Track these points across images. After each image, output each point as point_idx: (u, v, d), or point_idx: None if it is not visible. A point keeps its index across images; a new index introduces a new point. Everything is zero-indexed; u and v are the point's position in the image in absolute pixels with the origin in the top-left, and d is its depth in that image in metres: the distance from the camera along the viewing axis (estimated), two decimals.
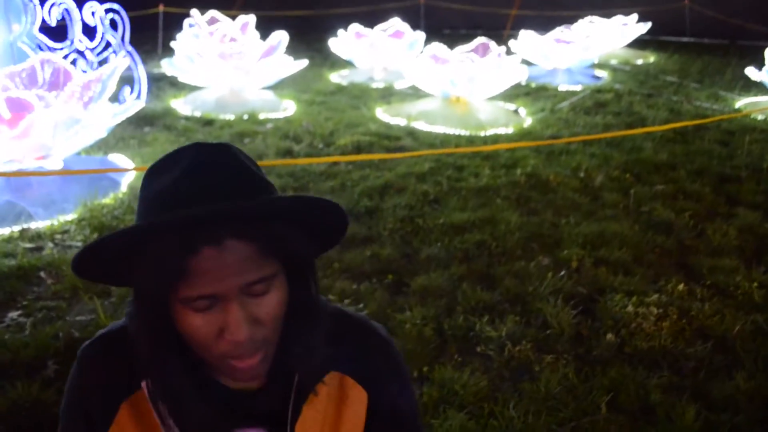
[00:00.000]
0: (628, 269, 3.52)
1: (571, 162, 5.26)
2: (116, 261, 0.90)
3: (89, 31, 6.46)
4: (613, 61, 10.43)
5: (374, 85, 8.51)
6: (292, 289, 0.94)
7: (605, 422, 2.32)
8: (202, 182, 0.87)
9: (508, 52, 7.13)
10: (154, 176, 0.91)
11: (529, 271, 3.42)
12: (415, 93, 7.65)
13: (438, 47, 6.89)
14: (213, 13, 10.27)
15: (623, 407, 2.41)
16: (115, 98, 5.52)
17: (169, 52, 9.75)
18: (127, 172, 4.82)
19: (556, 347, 2.77)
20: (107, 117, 4.48)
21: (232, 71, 6.94)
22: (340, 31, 9.05)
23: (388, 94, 7.96)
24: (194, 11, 10.49)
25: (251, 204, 0.86)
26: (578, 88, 8.37)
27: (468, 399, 2.40)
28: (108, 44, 7.70)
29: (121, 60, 4.78)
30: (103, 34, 7.68)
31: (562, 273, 3.43)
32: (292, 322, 0.97)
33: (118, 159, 5.16)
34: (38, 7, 7.71)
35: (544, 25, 9.74)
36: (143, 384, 0.98)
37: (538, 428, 2.25)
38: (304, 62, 7.42)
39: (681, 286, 3.30)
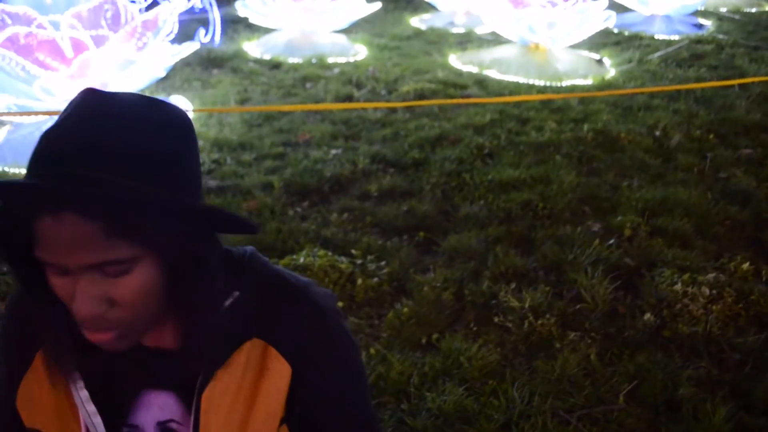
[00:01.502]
0: (687, 242, 3.16)
1: (649, 119, 4.80)
2: None
3: None
4: (722, 8, 9.46)
5: (454, 30, 8.12)
6: (172, 275, 0.83)
7: (620, 414, 2.09)
8: (64, 142, 0.76)
9: None
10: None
11: (573, 237, 3.14)
12: (495, 39, 7.24)
13: None
14: None
15: (645, 399, 2.16)
16: (191, 38, 5.54)
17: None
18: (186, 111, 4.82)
19: (583, 324, 2.53)
20: (165, 57, 4.46)
21: (303, 13, 6.79)
22: None
23: (466, 40, 7.57)
24: None
25: (92, 189, 0.75)
26: (676, 37, 7.64)
27: (472, 373, 2.23)
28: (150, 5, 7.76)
29: (181, 1, 4.71)
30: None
31: (611, 241, 3.13)
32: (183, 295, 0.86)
33: (178, 101, 5.18)
34: None
35: None
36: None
37: (541, 413, 2.05)
38: (377, 5, 7.16)
39: (746, 265, 2.91)
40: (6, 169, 4.10)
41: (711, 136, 4.51)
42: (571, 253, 3.00)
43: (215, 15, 6.94)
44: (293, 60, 6.54)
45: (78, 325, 0.84)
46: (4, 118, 4.37)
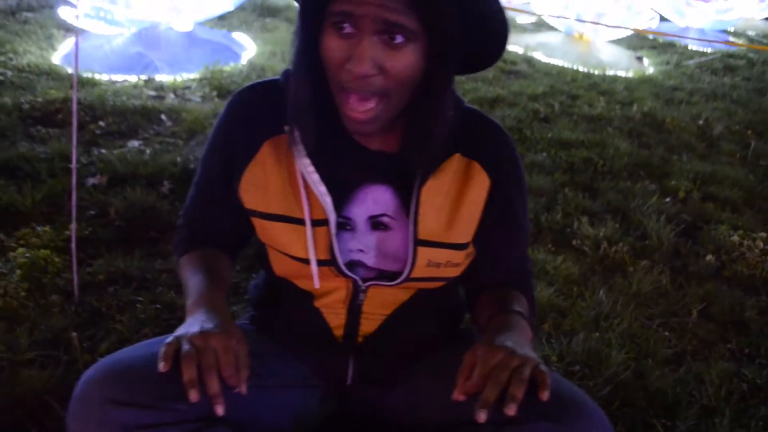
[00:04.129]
0: (737, 208, 3.37)
1: (691, 110, 5.03)
2: None
3: None
4: (751, 32, 9.75)
5: None
6: (428, 67, 0.96)
7: (695, 326, 2.28)
8: None
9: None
10: None
11: (633, 191, 3.34)
12: (537, 29, 7.43)
13: None
14: None
15: (715, 317, 2.35)
16: None
17: None
18: (248, 48, 4.97)
19: (652, 256, 2.72)
20: None
21: None
22: None
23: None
24: None
25: None
26: (709, 50, 7.90)
27: (558, 279, 2.41)
28: None
29: None
30: None
31: (667, 200, 3.33)
32: (421, 100, 0.99)
33: (240, 37, 5.32)
34: None
35: None
36: (287, 128, 1.04)
37: (625, 316, 2.23)
38: None
39: None
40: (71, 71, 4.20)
41: (749, 131, 4.74)
42: (633, 202, 3.19)
43: None
44: None
45: (336, 96, 0.96)
46: (78, 26, 4.48)
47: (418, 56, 0.94)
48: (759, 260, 2.78)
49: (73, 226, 2.07)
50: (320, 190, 1.03)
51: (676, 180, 3.59)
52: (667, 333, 2.21)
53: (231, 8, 4.90)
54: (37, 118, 3.44)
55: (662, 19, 8.40)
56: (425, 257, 1.08)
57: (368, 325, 1.16)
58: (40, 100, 3.62)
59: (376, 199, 1.09)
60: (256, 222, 1.10)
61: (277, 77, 1.11)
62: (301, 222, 1.06)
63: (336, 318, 1.15)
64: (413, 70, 0.94)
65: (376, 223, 1.10)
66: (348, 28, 0.91)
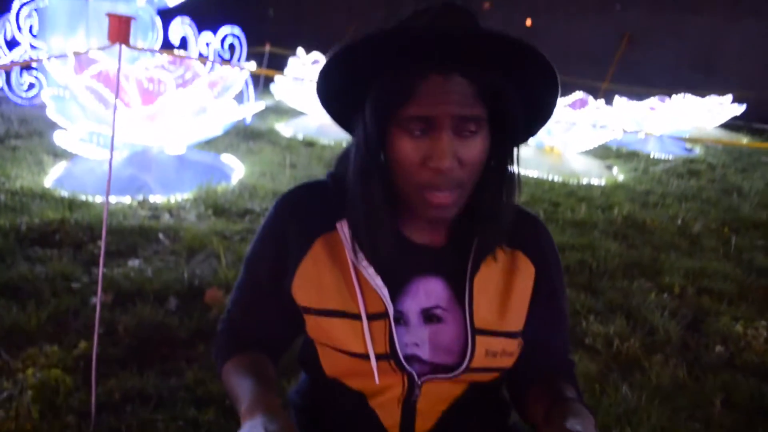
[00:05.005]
0: (732, 300, 3.45)
1: (668, 211, 5.23)
2: (343, 94, 1.01)
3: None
4: (705, 139, 10.34)
5: None
6: (493, 146, 1.01)
7: (720, 416, 2.27)
8: (438, 17, 0.97)
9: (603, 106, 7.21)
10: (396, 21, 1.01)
11: (631, 289, 3.41)
12: None
13: None
14: (316, 54, 10.84)
15: (738, 406, 2.35)
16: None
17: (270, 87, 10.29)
18: (236, 169, 5.09)
19: (664, 350, 2.74)
20: (232, 112, 4.78)
21: None
22: None
23: None
24: (300, 50, 11.09)
25: (484, 30, 0.96)
26: (670, 157, 8.33)
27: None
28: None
29: (247, 64, 5.10)
30: (212, 63, 8.27)
31: (665, 296, 3.40)
32: (487, 179, 1.03)
33: (229, 159, 5.45)
34: (160, 27, 8.41)
35: (634, 98, 9.79)
36: (338, 225, 1.08)
37: (652, 411, 2.22)
38: None
39: None
40: (66, 194, 4.22)
41: (726, 228, 4.93)
42: (633, 300, 3.24)
43: (251, 93, 7.39)
44: (325, 141, 6.93)
45: (412, 192, 0.99)
46: (70, 149, 4.55)
47: (486, 141, 0.99)
48: (766, 348, 2.82)
49: (95, 346, 2.02)
50: (377, 283, 1.04)
51: (669, 277, 3.67)
52: (697, 425, 2.19)
53: (220, 133, 5.06)
54: (35, 239, 3.42)
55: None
56: (483, 346, 1.08)
57: (423, 422, 1.14)
58: (36, 221, 3.61)
59: (428, 292, 1.10)
60: (310, 319, 1.10)
61: (320, 179, 1.15)
62: (357, 317, 1.06)
63: (390, 417, 1.13)
64: (483, 155, 0.99)
65: (429, 316, 1.10)
66: (422, 129, 0.96)
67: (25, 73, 8.25)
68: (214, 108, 4.60)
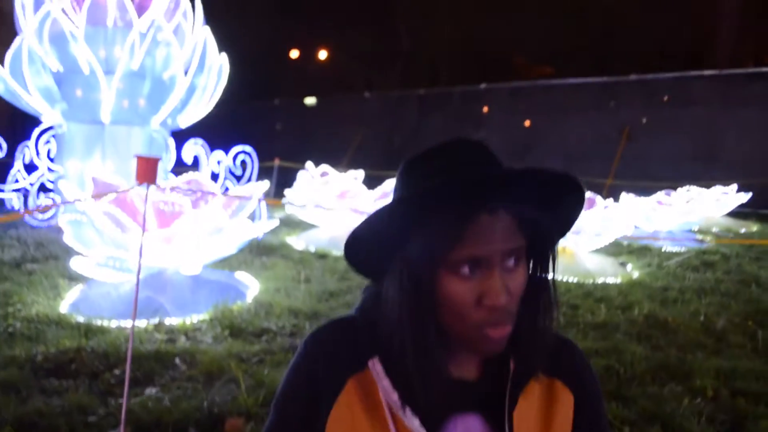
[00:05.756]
0: None
1: (689, 308, 5.15)
2: (379, 247, 1.03)
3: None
4: (715, 229, 10.35)
5: None
6: (531, 279, 1.03)
7: None
8: (474, 158, 1.01)
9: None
10: (414, 164, 1.05)
11: (663, 396, 3.30)
12: None
13: None
14: (325, 167, 11.13)
15: None
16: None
17: (280, 200, 10.48)
18: (251, 286, 5.09)
19: None
20: (246, 231, 4.83)
21: (348, 212, 7.38)
22: None
23: None
24: (309, 164, 11.39)
25: (526, 169, 0.97)
26: (683, 249, 8.30)
27: None
28: (226, 189, 8.48)
29: (261, 184, 5.20)
30: (224, 179, 8.50)
31: (698, 400, 3.28)
32: (527, 306, 1.03)
33: (244, 276, 5.47)
34: (173, 148, 8.68)
35: (639, 194, 9.90)
36: (370, 363, 1.06)
37: None
38: None
39: None
40: (82, 319, 4.21)
41: (750, 322, 4.83)
42: (667, 407, 3.13)
43: (262, 206, 7.52)
44: (337, 253, 6.96)
45: (468, 330, 0.98)
46: (87, 274, 4.58)
47: (526, 267, 1.01)
48: None
49: None
50: (414, 424, 1.02)
51: (700, 379, 3.56)
52: None
53: (234, 251, 5.10)
54: (50, 370, 3.37)
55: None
56: None
57: None
58: (52, 350, 3.58)
59: (467, 429, 1.07)
60: None
61: (347, 315, 1.13)
62: None
63: None
64: (524, 283, 1.00)
65: None
66: (472, 269, 0.97)
67: (42, 195, 8.46)
68: (228, 228, 4.66)
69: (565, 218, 1.08)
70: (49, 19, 7.67)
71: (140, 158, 1.66)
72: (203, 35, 8.37)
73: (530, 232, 1.00)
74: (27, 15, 7.96)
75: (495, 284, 0.96)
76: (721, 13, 19.92)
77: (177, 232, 4.41)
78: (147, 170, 1.62)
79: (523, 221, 0.99)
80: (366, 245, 1.06)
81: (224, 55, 8.69)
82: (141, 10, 8.31)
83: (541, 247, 1.03)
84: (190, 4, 8.57)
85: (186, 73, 8.29)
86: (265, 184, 5.20)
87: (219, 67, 8.64)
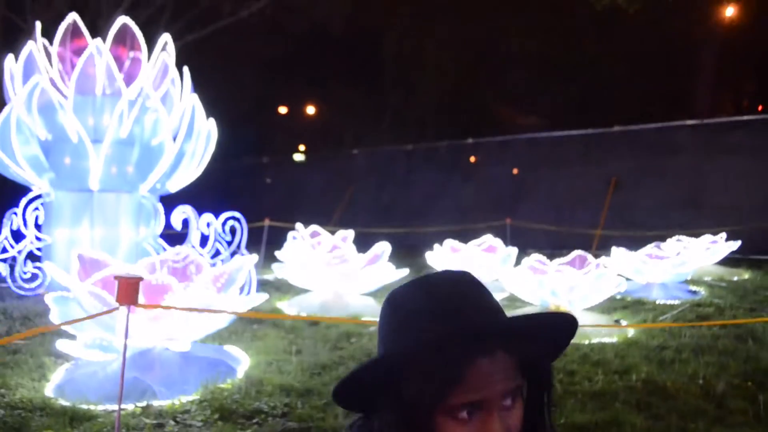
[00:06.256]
0: None
1: (686, 370, 5.08)
2: (376, 385, 1.01)
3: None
4: (707, 278, 10.35)
5: None
6: (527, 408, 1.03)
7: None
8: (463, 302, 1.00)
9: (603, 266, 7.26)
10: (399, 301, 1.05)
11: None
12: (512, 303, 7.75)
13: (537, 258, 7.12)
14: (314, 227, 11.10)
15: None
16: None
17: (270, 261, 10.43)
18: (242, 361, 4.99)
19: None
20: (237, 305, 4.76)
21: (339, 277, 7.33)
22: (436, 246, 9.51)
23: None
24: (299, 225, 11.35)
25: (523, 318, 1.00)
26: (676, 302, 8.27)
27: None
28: (217, 252, 8.43)
29: (248, 258, 5.16)
30: (214, 242, 8.46)
31: None
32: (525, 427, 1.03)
33: (233, 350, 5.36)
34: (162, 214, 8.66)
35: (629, 244, 9.91)
36: None
37: None
38: (405, 271, 7.76)
39: None
40: (67, 403, 4.09)
41: (749, 383, 4.76)
42: None
43: (252, 274, 7.44)
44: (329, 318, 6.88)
45: None
46: (74, 355, 4.48)
47: (521, 405, 1.00)
48: None
49: None
50: None
51: None
52: None
53: (224, 326, 5.02)
54: None
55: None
56: None
57: None
58: None
59: None
60: None
61: None
62: None
63: None
64: (521, 419, 1.00)
65: None
66: (470, 412, 0.95)
67: (29, 263, 8.35)
68: (218, 303, 4.59)
69: (556, 345, 1.09)
70: (37, 90, 7.72)
71: (121, 279, 1.62)
72: (191, 102, 8.44)
73: (529, 370, 1.00)
74: (16, 85, 8.01)
75: (495, 427, 0.95)
76: (700, 66, 20.42)
77: (165, 311, 4.33)
78: (128, 291, 1.58)
79: (523, 361, 0.99)
80: (356, 385, 1.03)
81: (212, 121, 8.76)
82: (129, 78, 8.40)
83: (538, 381, 1.03)
84: (177, 73, 8.67)
85: (174, 139, 8.33)
86: (254, 258, 5.16)
87: (207, 132, 8.70)
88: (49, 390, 4.41)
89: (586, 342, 6.11)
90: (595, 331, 6.48)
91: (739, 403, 4.36)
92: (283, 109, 27.44)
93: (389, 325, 1.04)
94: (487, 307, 1.01)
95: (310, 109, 27.53)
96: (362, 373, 1.01)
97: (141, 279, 1.64)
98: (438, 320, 0.98)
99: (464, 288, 1.03)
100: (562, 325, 1.07)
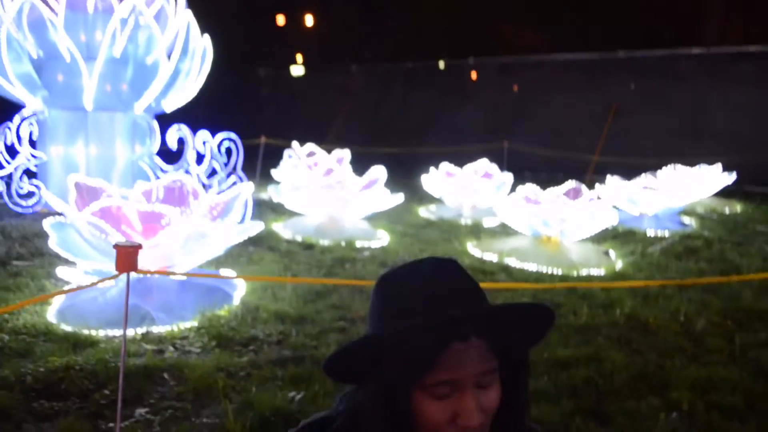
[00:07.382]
0: (742, 416, 3.43)
1: (669, 306, 5.24)
2: (362, 361, 1.08)
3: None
4: (700, 209, 10.47)
5: (463, 222, 8.81)
6: (504, 389, 1.09)
7: None
8: (445, 290, 1.07)
9: (597, 197, 7.33)
10: (389, 285, 1.11)
11: (640, 411, 3.39)
12: (504, 231, 7.87)
13: (530, 188, 7.17)
14: (311, 146, 11.06)
15: None
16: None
17: (266, 179, 10.47)
18: (239, 286, 5.13)
19: None
20: (232, 235, 4.84)
21: (334, 201, 7.39)
22: (432, 169, 9.54)
23: (477, 231, 8.22)
24: (295, 143, 11.33)
25: (497, 308, 1.05)
26: (666, 233, 8.41)
27: None
28: (213, 170, 8.44)
29: (246, 185, 5.19)
30: (210, 160, 8.45)
31: (674, 415, 3.38)
32: (503, 408, 1.10)
33: (228, 273, 5.49)
34: (158, 133, 8.61)
35: (626, 172, 9.97)
36: None
37: None
38: (400, 196, 7.82)
39: None
40: (70, 329, 4.23)
41: (729, 321, 4.93)
42: (644, 426, 3.23)
43: (249, 213, 7.50)
44: (323, 242, 7.00)
45: None
46: (76, 282, 4.60)
47: (498, 385, 1.07)
48: None
49: None
50: None
51: (676, 391, 3.66)
52: None
53: (221, 253, 5.12)
54: (40, 390, 3.41)
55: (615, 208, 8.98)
56: None
57: None
58: (41, 369, 3.61)
59: None
60: None
61: (325, 414, 1.18)
62: None
63: None
64: (497, 400, 1.07)
65: None
66: (446, 390, 1.02)
67: (25, 179, 8.37)
68: (215, 232, 4.66)
69: (535, 333, 1.14)
70: (27, 5, 7.50)
71: (120, 248, 1.66)
72: (186, 19, 8.23)
73: (504, 354, 1.06)
74: (5, 1, 7.77)
75: (469, 405, 1.02)
76: None
77: (163, 241, 4.41)
78: (127, 259, 1.63)
79: (497, 344, 1.05)
80: (345, 360, 1.11)
81: (207, 38, 8.57)
82: None
83: (514, 362, 1.09)
84: None
85: (169, 57, 8.18)
86: (250, 186, 5.20)
87: (203, 50, 8.53)
88: (50, 314, 4.53)
89: (575, 273, 6.27)
90: (584, 261, 6.63)
91: (716, 341, 4.53)
92: (280, 19, 26.68)
93: (376, 308, 1.11)
94: (467, 296, 1.07)
95: (309, 20, 26.78)
96: (349, 349, 1.08)
97: (140, 247, 1.69)
98: (418, 308, 1.04)
99: (448, 276, 1.09)
100: (538, 315, 1.13)
